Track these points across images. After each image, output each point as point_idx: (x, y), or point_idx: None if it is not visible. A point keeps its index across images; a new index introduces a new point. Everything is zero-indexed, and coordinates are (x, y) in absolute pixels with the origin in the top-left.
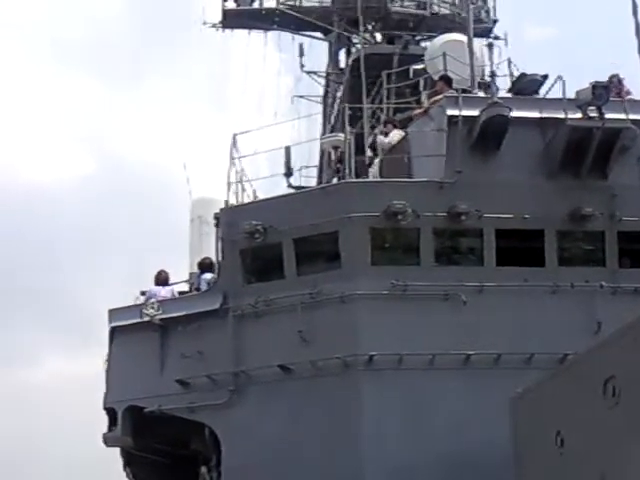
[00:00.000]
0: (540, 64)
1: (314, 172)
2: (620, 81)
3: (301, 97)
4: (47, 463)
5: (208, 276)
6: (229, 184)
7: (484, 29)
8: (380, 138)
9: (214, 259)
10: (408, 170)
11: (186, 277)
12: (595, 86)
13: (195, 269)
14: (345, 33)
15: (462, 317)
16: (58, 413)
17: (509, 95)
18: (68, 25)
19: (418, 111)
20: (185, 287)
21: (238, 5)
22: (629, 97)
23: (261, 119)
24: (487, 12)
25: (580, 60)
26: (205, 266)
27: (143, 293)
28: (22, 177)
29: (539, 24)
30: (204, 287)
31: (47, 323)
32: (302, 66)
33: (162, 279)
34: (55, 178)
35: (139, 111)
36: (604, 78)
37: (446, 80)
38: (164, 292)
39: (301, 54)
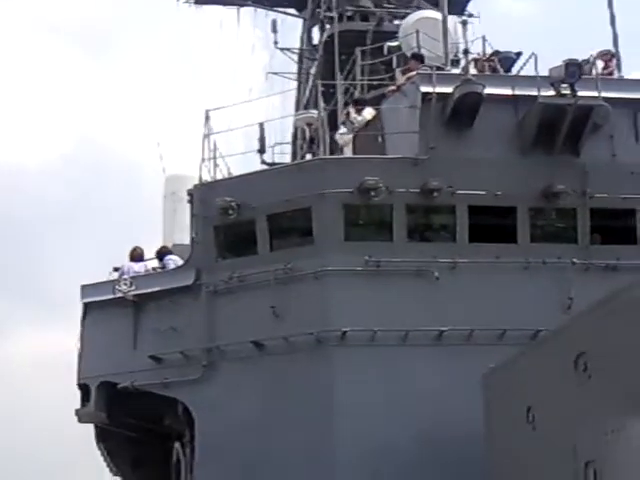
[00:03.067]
0: (516, 39)
1: (288, 149)
2: (612, 57)
3: (275, 74)
4: (18, 437)
5: (174, 257)
6: (202, 160)
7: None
8: (353, 115)
9: (187, 236)
10: (382, 147)
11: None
12: (568, 64)
13: (169, 245)
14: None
15: (435, 293)
16: (31, 387)
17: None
18: (45, 8)
19: (391, 88)
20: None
21: None
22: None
23: (235, 95)
24: None
25: (555, 36)
26: (163, 253)
27: (116, 269)
28: (1, 157)
29: None
30: (171, 266)
31: (20, 296)
32: (276, 43)
33: (136, 255)
34: (34, 158)
35: (113, 89)
36: (579, 54)
37: (418, 58)
38: (137, 267)
39: (274, 30)
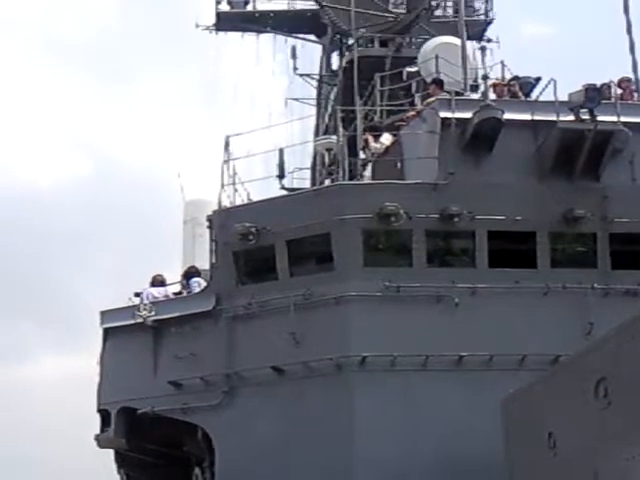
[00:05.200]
0: (536, 63)
1: (307, 174)
2: (631, 84)
3: (295, 99)
4: (37, 461)
5: (200, 280)
6: (222, 186)
7: (478, 31)
8: (372, 145)
9: (207, 261)
10: (401, 172)
11: (179, 278)
12: (587, 89)
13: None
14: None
15: (455, 318)
16: (51, 411)
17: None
18: (63, 28)
19: (411, 113)
20: (179, 288)
21: (232, 8)
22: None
23: (254, 121)
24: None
25: (577, 58)
26: (190, 274)
27: (137, 295)
28: (19, 178)
29: (536, 22)
30: (196, 289)
31: (42, 320)
32: (295, 69)
33: (157, 283)
34: (52, 180)
35: (133, 113)
36: (600, 78)
37: (439, 83)
38: (156, 292)
39: (294, 56)
